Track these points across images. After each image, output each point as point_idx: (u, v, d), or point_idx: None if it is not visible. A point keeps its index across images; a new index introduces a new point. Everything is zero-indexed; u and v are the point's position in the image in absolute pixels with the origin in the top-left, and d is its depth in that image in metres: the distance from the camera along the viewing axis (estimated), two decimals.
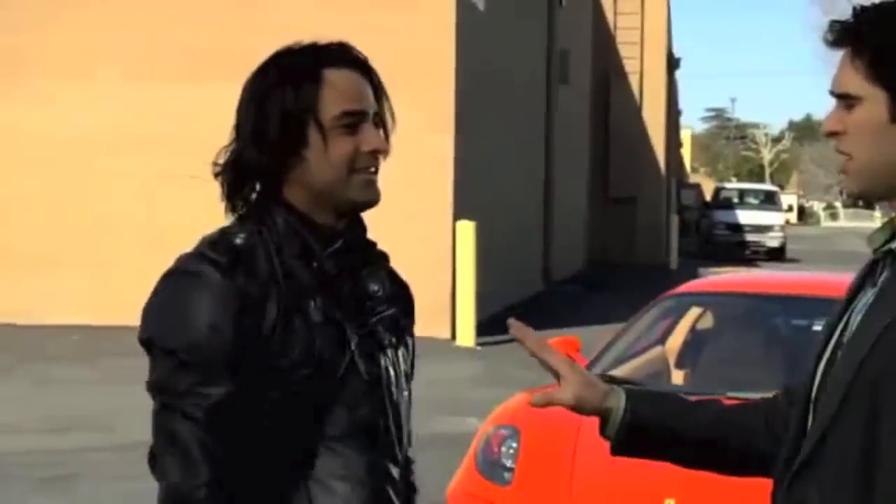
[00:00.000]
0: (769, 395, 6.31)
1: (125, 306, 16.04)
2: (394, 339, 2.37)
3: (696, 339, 7.46)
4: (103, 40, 16.25)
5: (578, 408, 2.29)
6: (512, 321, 2.34)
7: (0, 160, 16.31)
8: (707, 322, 7.61)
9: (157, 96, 15.93)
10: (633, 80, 33.67)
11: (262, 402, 2.19)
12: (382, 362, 2.33)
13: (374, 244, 2.39)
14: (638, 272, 28.45)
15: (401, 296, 2.45)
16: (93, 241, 15.95)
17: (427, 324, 15.49)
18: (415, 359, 2.51)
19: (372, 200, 2.32)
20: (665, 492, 5.44)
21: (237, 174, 2.29)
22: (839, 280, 7.89)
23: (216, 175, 2.31)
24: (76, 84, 16.15)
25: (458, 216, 15.63)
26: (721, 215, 40.87)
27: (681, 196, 43.25)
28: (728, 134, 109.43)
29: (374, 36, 16.17)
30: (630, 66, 33.68)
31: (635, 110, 33.62)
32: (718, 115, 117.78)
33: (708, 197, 47.69)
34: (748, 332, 7.26)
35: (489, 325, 16.02)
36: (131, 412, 9.89)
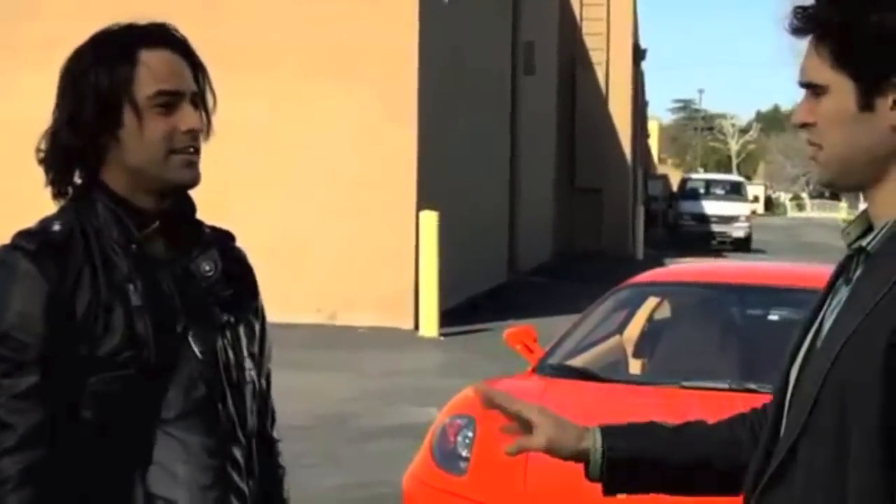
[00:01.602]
0: (723, 384, 6.34)
1: None
2: (232, 319, 2.35)
3: (653, 329, 7.49)
4: (65, 27, 16.13)
5: (554, 451, 2.26)
6: (479, 391, 2.26)
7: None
8: (664, 311, 7.63)
9: None
10: (599, 71, 33.72)
11: (82, 390, 2.18)
12: (219, 343, 2.31)
13: (201, 224, 2.38)
14: (604, 263, 28.49)
15: (242, 276, 2.44)
16: None
17: (390, 314, 15.68)
18: (265, 341, 2.48)
19: (190, 181, 2.31)
20: None
21: (56, 158, 2.29)
22: (794, 270, 7.98)
23: (40, 161, 2.31)
24: (37, 72, 16.02)
25: (421, 207, 15.63)
26: (687, 206, 41.03)
27: (648, 187, 43.43)
28: (696, 125, 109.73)
29: (336, 26, 16.23)
30: (596, 56, 33.72)
31: (601, 101, 33.68)
32: (686, 105, 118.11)
33: (675, 188, 47.88)
34: (704, 322, 7.28)
35: (453, 316, 16.05)
36: None
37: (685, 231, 39.87)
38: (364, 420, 10.28)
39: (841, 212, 70.82)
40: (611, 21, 33.42)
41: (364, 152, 15.74)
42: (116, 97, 2.25)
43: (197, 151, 2.31)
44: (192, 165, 2.30)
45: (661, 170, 63.94)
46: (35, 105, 17.45)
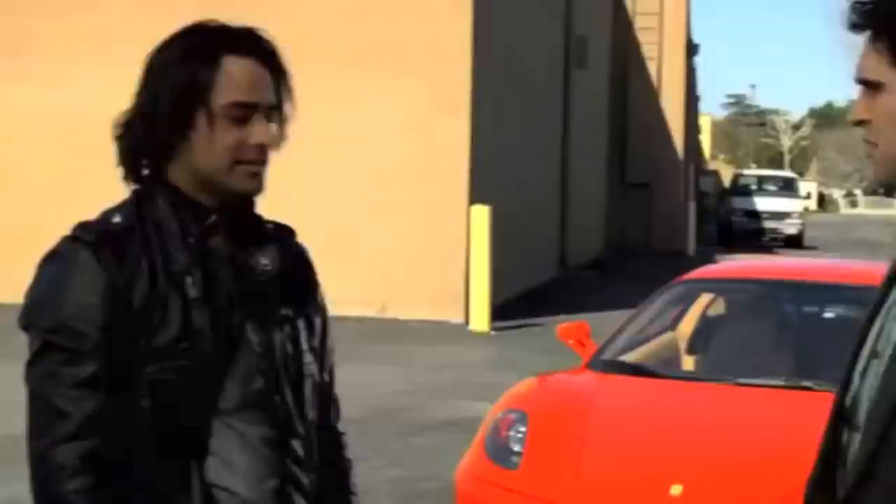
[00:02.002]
0: (778, 382, 6.31)
1: None
2: (290, 313, 2.36)
3: (706, 325, 7.46)
4: (120, 22, 16.26)
5: None
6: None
7: (13, 139, 16.36)
8: (718, 308, 7.60)
9: None
10: (652, 66, 33.55)
11: (139, 380, 2.20)
12: (277, 336, 2.32)
13: (262, 220, 2.39)
14: (655, 258, 28.39)
15: (302, 271, 2.45)
16: None
17: (441, 308, 15.67)
18: (327, 335, 2.49)
19: (253, 191, 2.32)
20: (673, 477, 5.44)
21: (126, 148, 2.31)
22: (850, 267, 7.91)
23: (116, 138, 2.32)
24: (93, 66, 16.17)
25: (472, 201, 15.62)
26: (739, 202, 40.70)
27: (699, 183, 43.13)
28: (748, 121, 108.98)
29: (390, 18, 16.24)
30: (648, 51, 33.56)
31: (653, 96, 33.52)
32: (738, 101, 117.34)
33: (726, 184, 47.55)
34: (759, 319, 7.25)
35: (503, 311, 16.03)
36: None
37: (737, 227, 39.57)
38: (414, 414, 10.29)
39: (895, 209, 70.09)
40: (664, 15, 33.24)
41: (416, 145, 15.74)
42: (193, 99, 2.25)
43: (264, 163, 2.31)
44: (257, 176, 2.31)
45: (712, 166, 63.58)
46: (92, 96, 17.78)
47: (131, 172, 2.32)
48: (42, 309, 2.22)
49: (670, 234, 32.71)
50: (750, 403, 6.24)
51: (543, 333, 15.25)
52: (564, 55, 23.63)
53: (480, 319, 15.30)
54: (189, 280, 2.24)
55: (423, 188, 15.73)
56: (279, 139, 2.33)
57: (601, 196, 29.61)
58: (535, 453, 5.82)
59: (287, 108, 2.34)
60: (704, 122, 58.99)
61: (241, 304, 2.28)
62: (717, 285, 7.64)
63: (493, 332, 15.17)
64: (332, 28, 15.73)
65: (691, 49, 36.06)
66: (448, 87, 15.65)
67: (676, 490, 5.38)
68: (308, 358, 2.39)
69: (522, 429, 5.98)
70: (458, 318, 15.50)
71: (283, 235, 2.43)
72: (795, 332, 7.05)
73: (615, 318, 10.74)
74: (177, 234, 2.27)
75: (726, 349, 7.07)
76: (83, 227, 2.26)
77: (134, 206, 2.29)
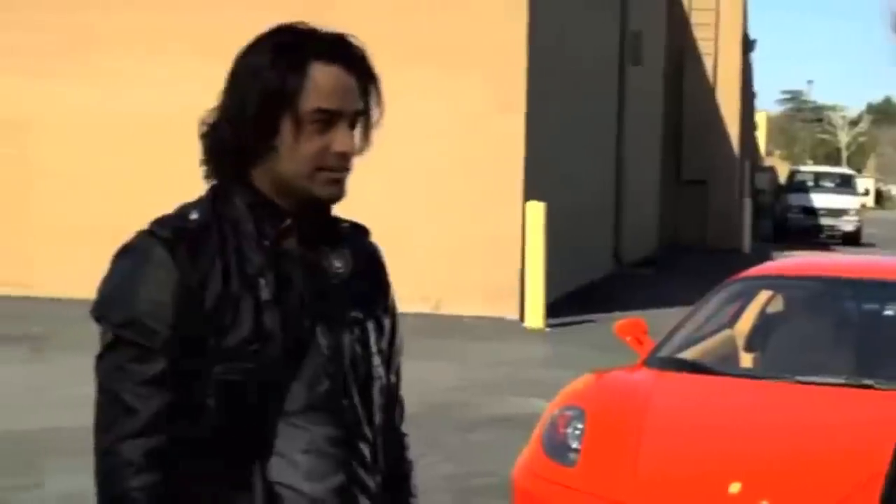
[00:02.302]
0: (839, 380, 6.25)
1: None
2: (360, 315, 2.35)
3: (765, 323, 7.41)
4: (175, 18, 16.37)
5: None
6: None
7: (74, 138, 16.51)
8: (777, 305, 7.55)
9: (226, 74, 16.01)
10: (708, 62, 33.35)
11: (207, 379, 2.20)
12: (346, 338, 2.31)
13: (337, 220, 2.38)
14: (710, 255, 28.24)
15: (374, 272, 2.44)
16: None
17: (496, 304, 15.68)
18: (396, 336, 2.48)
19: (332, 198, 2.30)
20: (731, 475, 5.41)
21: (210, 149, 2.30)
22: None
23: (201, 136, 2.32)
24: (149, 63, 16.28)
25: (527, 197, 15.60)
26: (795, 199, 40.36)
27: (755, 179, 42.83)
28: (804, 117, 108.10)
29: (445, 13, 16.24)
30: (704, 47, 33.35)
31: (709, 92, 33.31)
32: (795, 97, 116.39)
33: (782, 180, 47.18)
34: (818, 316, 7.19)
35: (558, 307, 16.01)
36: None
37: (793, 224, 39.25)
38: (469, 410, 10.30)
39: None
40: (720, 11, 33.03)
41: (472, 142, 15.73)
42: (280, 105, 2.24)
43: (346, 170, 2.30)
44: (337, 183, 2.29)
45: (767, 162, 63.13)
46: (145, 97, 17.95)
47: (214, 172, 2.32)
48: (114, 303, 2.23)
49: (725, 231, 32.51)
50: (810, 402, 6.19)
51: (598, 330, 15.21)
52: (619, 52, 23.55)
53: (535, 316, 15.28)
54: (262, 282, 2.24)
55: (478, 185, 15.72)
56: (363, 146, 2.33)
57: (655, 193, 29.49)
58: (592, 450, 5.81)
59: (374, 113, 2.33)
60: (760, 119, 58.56)
61: (312, 306, 2.28)
62: (776, 282, 7.58)
63: (547, 329, 15.15)
64: (388, 25, 15.75)
65: (748, 45, 35.80)
66: (504, 83, 15.63)
67: (735, 488, 5.35)
68: (376, 360, 2.38)
69: (580, 426, 5.96)
70: (512, 315, 15.48)
71: (357, 235, 2.43)
72: (855, 329, 6.99)
73: (670, 315, 10.70)
74: (252, 235, 2.26)
75: (785, 347, 7.02)
76: (160, 222, 2.26)
77: (210, 204, 2.29)
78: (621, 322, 7.27)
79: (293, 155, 2.25)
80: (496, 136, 15.72)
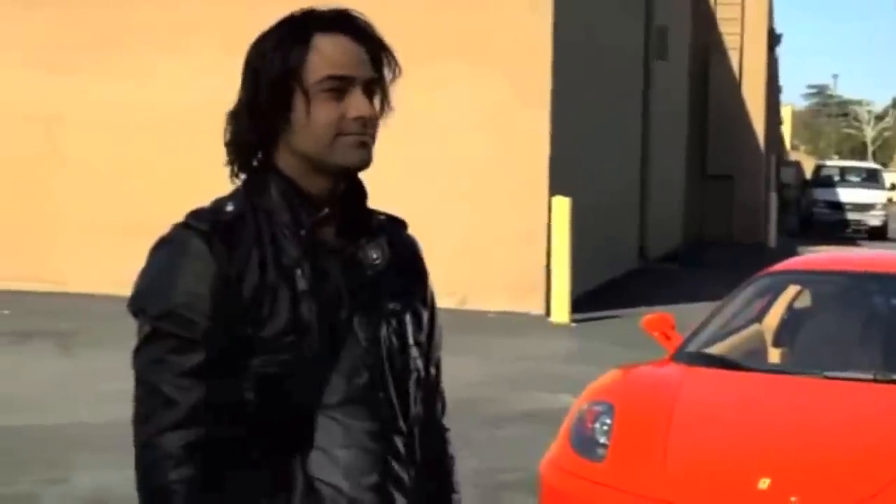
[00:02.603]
0: (868, 375, 6.22)
1: None
2: (398, 307, 2.34)
3: (793, 318, 7.37)
4: (202, 13, 16.40)
5: None
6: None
7: (101, 133, 16.55)
8: (805, 300, 7.51)
9: None
10: (733, 56, 33.24)
11: (245, 371, 2.19)
12: (383, 331, 2.30)
13: (373, 212, 2.37)
14: (735, 250, 28.15)
15: (411, 264, 2.43)
16: None
17: (521, 299, 15.67)
18: (434, 329, 2.46)
19: (358, 162, 2.27)
20: (761, 471, 5.39)
21: (235, 142, 2.30)
22: None
23: (225, 144, 2.32)
24: (175, 57, 16.31)
25: (553, 192, 15.57)
26: (821, 193, 40.20)
27: (780, 174, 42.66)
28: (830, 111, 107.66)
29: (470, 9, 16.21)
30: (730, 41, 33.24)
31: (735, 87, 33.20)
32: (820, 91, 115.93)
33: (808, 175, 46.99)
34: (847, 311, 7.15)
35: (584, 302, 15.98)
36: None
37: (819, 219, 39.11)
38: (495, 405, 10.29)
39: None
40: (745, 6, 32.91)
41: (497, 136, 15.70)
42: (288, 81, 2.24)
43: (368, 136, 2.27)
44: (363, 147, 2.27)
45: (793, 156, 62.89)
46: (171, 91, 18.00)
47: (242, 166, 2.31)
48: (152, 295, 2.22)
49: (751, 225, 32.42)
50: (838, 397, 6.16)
51: (623, 325, 15.17)
52: (644, 47, 23.48)
53: (561, 311, 15.25)
54: (298, 272, 2.23)
55: (503, 179, 15.70)
56: (381, 111, 2.31)
57: (681, 188, 29.40)
58: (620, 445, 5.79)
59: (388, 77, 2.32)
60: (785, 113, 58.36)
61: (349, 297, 2.27)
62: (804, 277, 7.55)
63: (573, 324, 15.12)
64: (413, 20, 15.74)
65: (773, 39, 35.67)
66: (529, 78, 15.60)
67: (764, 484, 5.32)
68: (414, 353, 2.36)
69: (608, 421, 5.95)
70: (538, 310, 15.46)
71: (394, 227, 2.42)
72: (884, 324, 6.95)
73: (697, 310, 10.67)
74: (288, 225, 2.25)
75: (814, 342, 6.98)
76: (196, 215, 2.27)
77: (245, 196, 2.29)
78: (648, 317, 7.25)
79: (308, 128, 2.25)
80: (521, 131, 15.69)
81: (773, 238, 31.77)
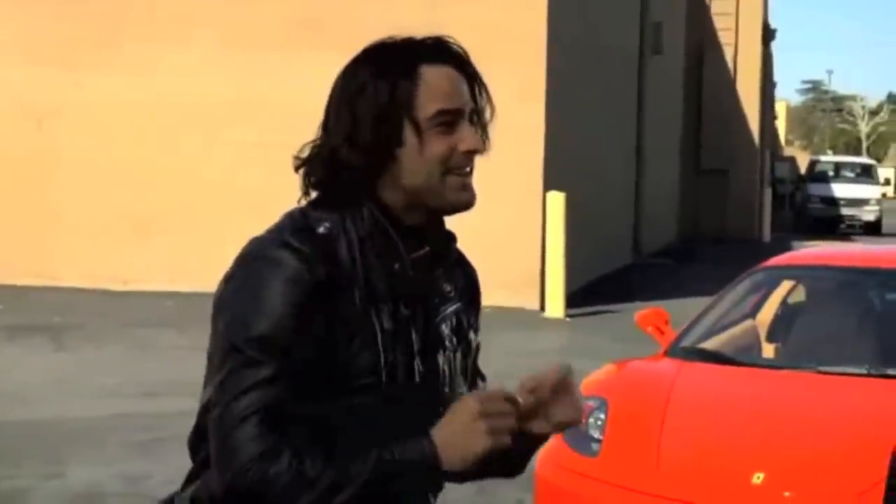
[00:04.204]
0: (862, 370, 6.22)
1: (218, 274, 16.21)
2: (455, 340, 2.29)
3: (787, 313, 7.38)
4: (199, 6, 16.37)
5: None
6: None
7: (97, 127, 16.54)
8: (799, 296, 7.52)
9: (254, 64, 16.01)
10: (728, 52, 33.27)
11: (319, 403, 2.11)
12: (440, 363, 2.25)
13: (451, 238, 2.31)
14: (730, 245, 28.18)
15: (468, 289, 2.38)
16: (186, 209, 16.15)
17: (516, 295, 15.67)
18: (478, 356, 2.41)
19: (468, 203, 2.22)
20: (755, 465, 5.39)
21: (330, 171, 2.19)
22: None
23: (297, 168, 2.22)
24: (173, 51, 16.28)
25: (548, 187, 15.57)
26: (816, 188, 40.26)
27: (775, 169, 42.75)
28: (824, 106, 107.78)
29: (465, 4, 16.21)
30: (724, 37, 33.27)
31: (729, 82, 33.23)
32: (815, 87, 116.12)
33: (803, 170, 47.03)
34: (841, 306, 7.15)
35: (578, 297, 15.99)
36: None
37: (813, 214, 39.15)
38: None
39: None
40: (740, 1, 32.93)
41: (491, 130, 15.66)
42: (397, 115, 2.15)
43: (471, 171, 2.23)
44: (468, 187, 2.22)
45: (787, 152, 62.94)
46: (175, 83, 17.91)
47: (338, 197, 2.20)
48: (246, 318, 2.10)
49: (745, 220, 32.47)
50: (833, 392, 6.17)
51: (618, 320, 15.18)
52: (640, 42, 23.49)
53: (555, 306, 15.26)
54: (386, 309, 2.16)
55: (498, 174, 15.60)
56: (485, 145, 2.25)
57: (675, 183, 29.43)
58: (614, 440, 5.80)
59: (487, 113, 2.26)
60: (780, 108, 58.43)
61: (420, 333, 2.22)
62: (799, 272, 7.55)
63: (567, 319, 15.13)
64: (408, 14, 15.71)
65: (768, 34, 35.69)
66: (525, 73, 15.59)
67: (758, 478, 5.32)
68: (460, 381, 2.32)
69: (602, 416, 5.95)
70: (533, 305, 15.47)
71: (463, 259, 2.38)
72: (879, 319, 6.94)
73: (691, 305, 10.67)
74: (381, 257, 2.18)
75: (808, 337, 6.99)
76: (294, 231, 2.14)
77: (339, 218, 2.18)
78: (643, 312, 7.25)
79: (420, 163, 2.17)
80: (517, 126, 15.63)
81: (767, 233, 31.83)
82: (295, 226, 2.15)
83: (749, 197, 33.11)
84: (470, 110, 2.22)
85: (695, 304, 12.16)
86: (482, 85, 2.26)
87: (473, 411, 2.06)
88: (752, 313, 7.40)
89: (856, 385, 6.19)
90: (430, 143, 2.16)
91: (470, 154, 2.20)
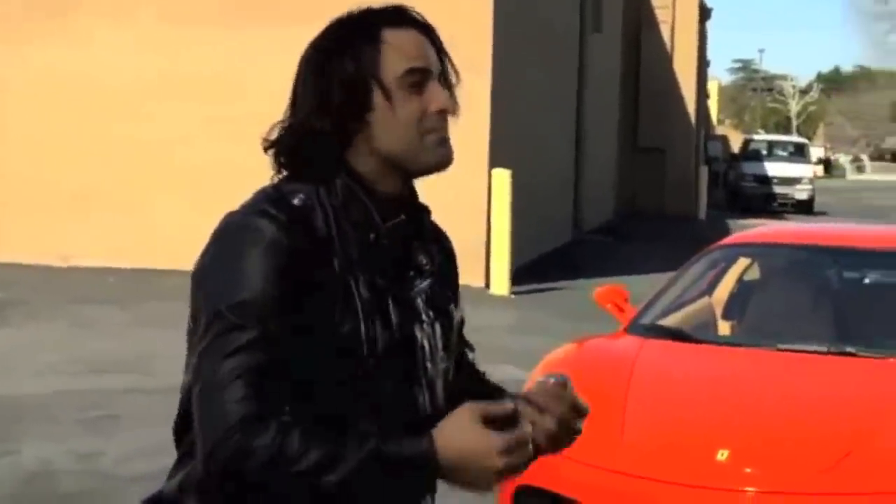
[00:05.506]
0: (822, 347, 6.24)
1: (160, 249, 16.15)
2: (432, 313, 2.26)
3: (743, 290, 7.42)
4: None
5: None
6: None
7: (39, 102, 16.32)
8: (757, 273, 7.56)
9: (194, 40, 15.88)
10: (665, 30, 33.41)
11: (303, 372, 2.08)
12: (419, 338, 2.23)
13: (425, 211, 2.30)
14: (667, 222, 28.40)
15: (448, 270, 2.37)
16: (128, 185, 15.99)
17: (462, 272, 15.60)
18: (461, 330, 2.40)
19: (445, 160, 2.21)
20: (719, 442, 5.40)
21: (299, 142, 2.18)
22: (892, 232, 7.86)
23: (266, 149, 2.21)
24: (115, 26, 16.11)
25: (493, 164, 15.56)
26: (749, 167, 40.61)
27: (707, 147, 43.05)
28: (755, 86, 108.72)
29: None
30: (661, 15, 33.40)
31: (666, 61, 33.39)
32: (746, 66, 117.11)
33: (735, 149, 47.40)
34: (799, 284, 7.19)
35: (522, 274, 16.01)
36: (168, 355, 9.93)
37: (746, 192, 39.49)
38: None
39: None
40: None
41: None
42: (364, 79, 2.15)
43: (447, 131, 2.20)
44: (445, 143, 2.20)
45: (719, 131, 63.38)
46: (109, 58, 17.70)
47: (312, 168, 2.19)
48: (227, 287, 2.08)
49: (682, 198, 32.70)
50: (794, 369, 6.21)
51: (562, 297, 15.24)
52: (581, 19, 23.51)
53: (500, 283, 15.27)
54: (362, 278, 2.14)
55: None
56: (455, 106, 2.23)
57: (613, 160, 29.56)
58: None
59: (451, 77, 2.25)
60: (712, 87, 58.77)
61: (396, 304, 2.20)
62: (757, 250, 7.59)
63: (512, 296, 15.15)
64: None
65: (704, 13, 35.88)
66: (470, 49, 15.50)
67: (723, 455, 5.34)
68: (442, 356, 2.29)
69: None
70: (478, 282, 15.45)
71: (440, 232, 2.37)
72: (837, 297, 6.99)
73: (634, 282, 10.75)
74: (357, 226, 2.17)
75: (767, 315, 7.02)
76: (271, 201, 2.13)
77: (313, 189, 2.16)
78: (601, 289, 7.25)
79: (394, 125, 2.16)
80: (462, 102, 15.63)
81: (703, 211, 32.07)
82: (270, 197, 2.14)
83: (686, 175, 33.34)
84: (438, 72, 2.21)
85: (638, 281, 12.24)
86: (445, 51, 2.25)
87: (495, 447, 2.01)
88: (709, 291, 7.43)
89: (816, 362, 6.23)
90: (400, 105, 2.16)
91: (442, 114, 2.18)
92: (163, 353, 10.26)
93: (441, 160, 2.21)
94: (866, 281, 7.17)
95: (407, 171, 2.21)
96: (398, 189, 2.22)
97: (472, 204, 15.41)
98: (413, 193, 2.28)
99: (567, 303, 14.58)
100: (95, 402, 8.85)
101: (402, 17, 2.21)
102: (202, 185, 15.47)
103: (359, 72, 2.15)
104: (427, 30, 2.23)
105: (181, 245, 17.03)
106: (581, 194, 23.66)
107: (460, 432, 2.00)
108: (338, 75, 2.15)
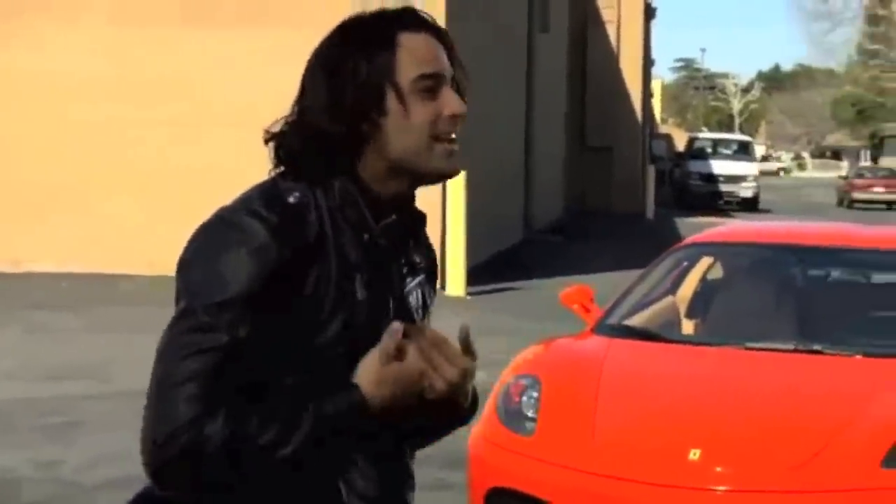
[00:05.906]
0: (788, 345, 6.28)
1: (113, 253, 16.01)
2: (421, 313, 2.28)
3: (706, 290, 7.44)
4: None
5: None
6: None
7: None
8: (721, 272, 7.59)
9: (144, 42, 15.76)
10: (611, 30, 33.57)
11: (285, 372, 2.07)
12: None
13: (420, 213, 2.29)
14: (615, 220, 28.53)
15: (429, 266, 2.37)
16: (78, 188, 15.83)
17: None
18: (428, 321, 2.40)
19: (453, 171, 2.21)
20: (690, 442, 5.42)
21: (308, 143, 2.15)
22: (855, 230, 7.92)
23: (267, 141, 2.19)
24: (64, 28, 15.97)
25: None
26: (695, 165, 40.86)
27: (652, 146, 43.29)
28: (697, 84, 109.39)
29: None
30: (607, 15, 33.56)
31: (612, 60, 33.55)
32: (688, 65, 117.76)
33: (680, 147, 47.67)
34: (764, 282, 7.22)
35: (476, 275, 16.00)
36: (125, 360, 9.85)
37: (693, 191, 39.74)
38: None
39: (843, 171, 70.68)
40: None
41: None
42: (378, 82, 2.13)
43: (456, 137, 2.19)
44: (454, 155, 2.19)
45: (663, 129, 63.75)
46: (63, 60, 17.52)
47: (317, 168, 2.16)
48: (208, 284, 2.06)
49: (629, 196, 32.88)
50: (762, 367, 6.24)
51: (518, 297, 15.26)
52: (528, 19, 23.56)
53: (456, 284, 15.26)
54: (358, 277, 2.13)
55: None
56: (465, 111, 2.21)
57: (561, 160, 29.65)
58: (549, 419, 5.79)
59: (463, 80, 2.24)
60: (655, 86, 59.11)
61: (391, 303, 2.20)
62: (720, 249, 7.62)
63: (468, 297, 15.14)
64: None
65: (649, 12, 36.09)
66: None
67: (695, 455, 5.36)
68: None
69: (535, 394, 5.94)
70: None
71: (429, 244, 2.37)
72: (802, 295, 7.02)
73: (589, 281, 10.73)
74: (353, 227, 2.15)
75: (733, 313, 7.05)
76: (264, 200, 2.10)
77: (309, 188, 2.14)
78: (567, 290, 7.24)
79: (406, 130, 2.14)
80: None
81: (650, 209, 32.24)
82: (265, 195, 2.11)
83: (633, 174, 33.52)
84: (450, 76, 2.20)
85: (592, 280, 12.27)
86: (455, 53, 2.24)
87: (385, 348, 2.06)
88: (673, 290, 7.46)
89: (783, 361, 6.27)
90: (414, 109, 2.14)
91: (455, 118, 2.18)
92: (119, 358, 10.18)
93: (447, 172, 2.21)
94: (831, 279, 7.22)
95: (415, 175, 2.19)
96: (401, 192, 2.21)
97: (426, 205, 15.14)
98: (412, 199, 2.27)
99: (524, 303, 14.61)
100: (54, 409, 8.76)
101: (417, 21, 2.20)
102: (154, 188, 15.36)
103: (373, 75, 2.13)
104: (440, 33, 2.22)
105: (134, 248, 16.99)
106: (531, 193, 23.71)
107: (373, 373, 2.06)
108: (352, 77, 2.13)
